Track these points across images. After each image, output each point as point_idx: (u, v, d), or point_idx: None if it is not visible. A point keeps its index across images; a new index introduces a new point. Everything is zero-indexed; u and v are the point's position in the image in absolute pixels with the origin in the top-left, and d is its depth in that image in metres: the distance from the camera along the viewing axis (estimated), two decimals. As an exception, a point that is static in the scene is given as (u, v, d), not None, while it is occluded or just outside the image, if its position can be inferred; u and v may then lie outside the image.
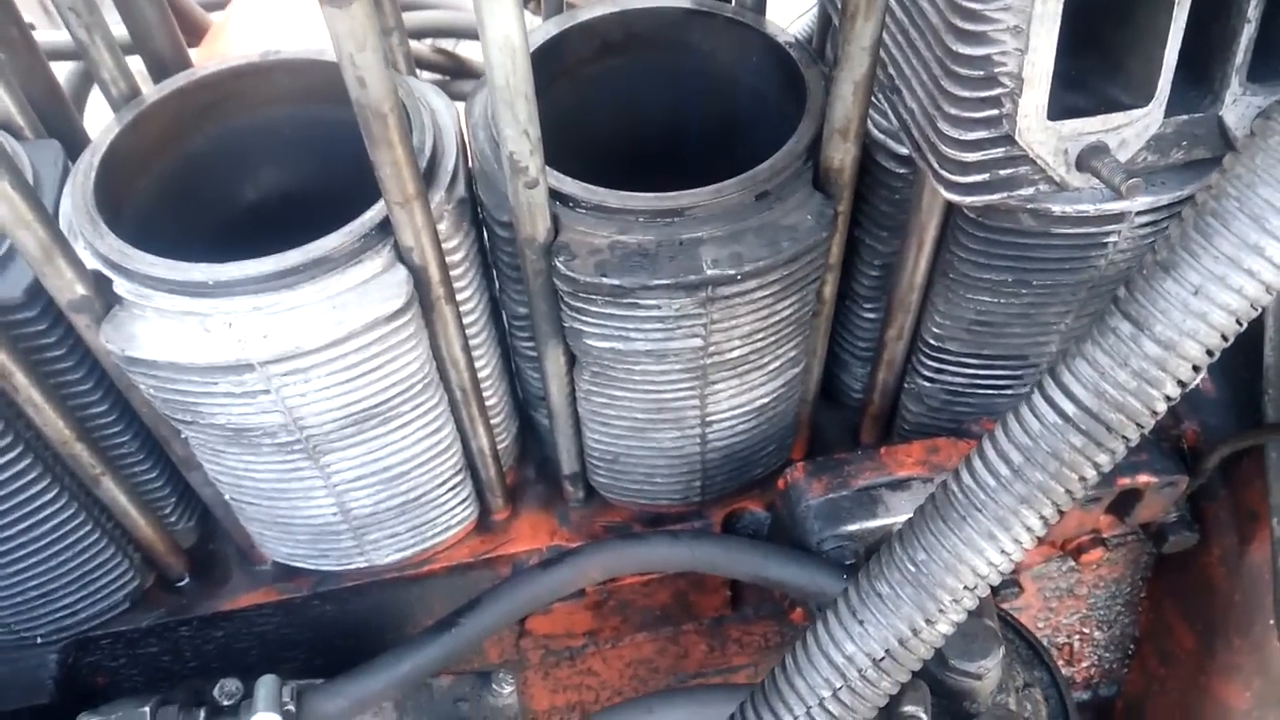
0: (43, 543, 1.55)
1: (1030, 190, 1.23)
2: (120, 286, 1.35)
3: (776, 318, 1.53)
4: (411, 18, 3.42)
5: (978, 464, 1.20)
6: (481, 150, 1.50)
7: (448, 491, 1.72)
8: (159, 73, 1.60)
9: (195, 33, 3.32)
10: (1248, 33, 1.17)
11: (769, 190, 1.45)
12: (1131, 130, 1.19)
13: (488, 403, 1.67)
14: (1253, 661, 2.08)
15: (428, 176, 1.40)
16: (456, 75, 3.51)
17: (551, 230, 1.40)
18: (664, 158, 1.80)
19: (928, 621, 1.25)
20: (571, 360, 1.59)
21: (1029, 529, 1.18)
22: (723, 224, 1.42)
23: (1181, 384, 1.07)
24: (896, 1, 1.25)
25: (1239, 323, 1.04)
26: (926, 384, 1.79)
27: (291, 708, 1.45)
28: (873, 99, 1.36)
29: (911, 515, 1.30)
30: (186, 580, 1.80)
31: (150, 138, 1.54)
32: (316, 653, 1.89)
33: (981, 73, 1.13)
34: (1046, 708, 1.64)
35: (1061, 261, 1.49)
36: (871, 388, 1.86)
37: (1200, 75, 1.23)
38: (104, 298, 1.34)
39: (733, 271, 1.39)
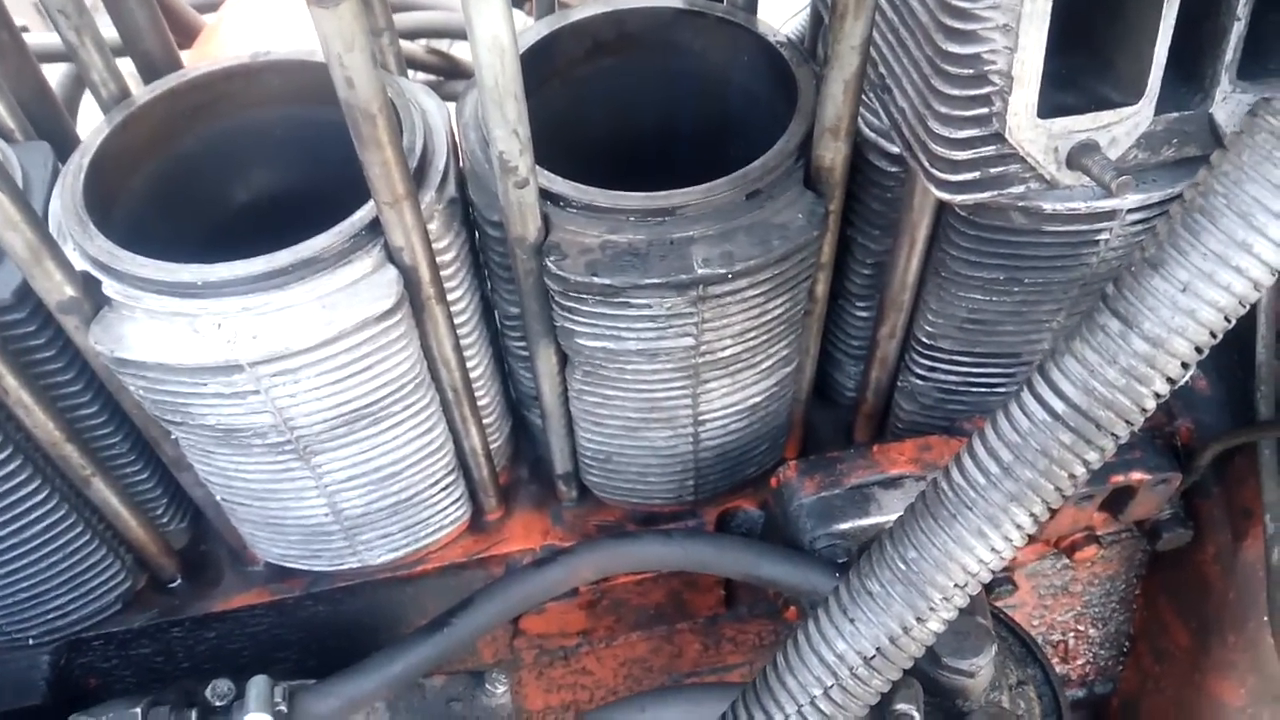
0: (34, 544, 1.55)
1: (1021, 188, 1.23)
2: (109, 288, 1.35)
3: (768, 316, 1.52)
4: (404, 18, 3.42)
5: (968, 462, 1.20)
6: (472, 150, 1.50)
7: (440, 491, 1.71)
8: (150, 75, 1.60)
9: (187, 35, 3.31)
10: (1237, 30, 1.17)
11: (760, 189, 1.45)
12: (1122, 128, 1.19)
13: (480, 402, 1.67)
14: (1247, 659, 2.08)
15: (418, 176, 1.40)
16: (450, 76, 3.51)
17: (542, 230, 1.40)
18: (656, 157, 1.80)
19: (919, 619, 1.25)
20: (563, 360, 1.59)
21: (1019, 526, 1.18)
22: (714, 223, 1.42)
23: (1171, 381, 1.07)
24: (887, 0, 1.25)
25: (1228, 320, 1.04)
26: (919, 382, 1.79)
27: (283, 708, 1.44)
28: (864, 98, 1.36)
29: (902, 513, 1.30)
30: (178, 581, 1.80)
31: (140, 139, 1.54)
32: (309, 653, 1.89)
33: (971, 71, 1.13)
34: (1040, 705, 1.64)
35: (1053, 259, 1.49)
36: (864, 386, 1.86)
37: (1190, 73, 1.23)
38: (93, 299, 1.34)
39: (724, 270, 1.39)
